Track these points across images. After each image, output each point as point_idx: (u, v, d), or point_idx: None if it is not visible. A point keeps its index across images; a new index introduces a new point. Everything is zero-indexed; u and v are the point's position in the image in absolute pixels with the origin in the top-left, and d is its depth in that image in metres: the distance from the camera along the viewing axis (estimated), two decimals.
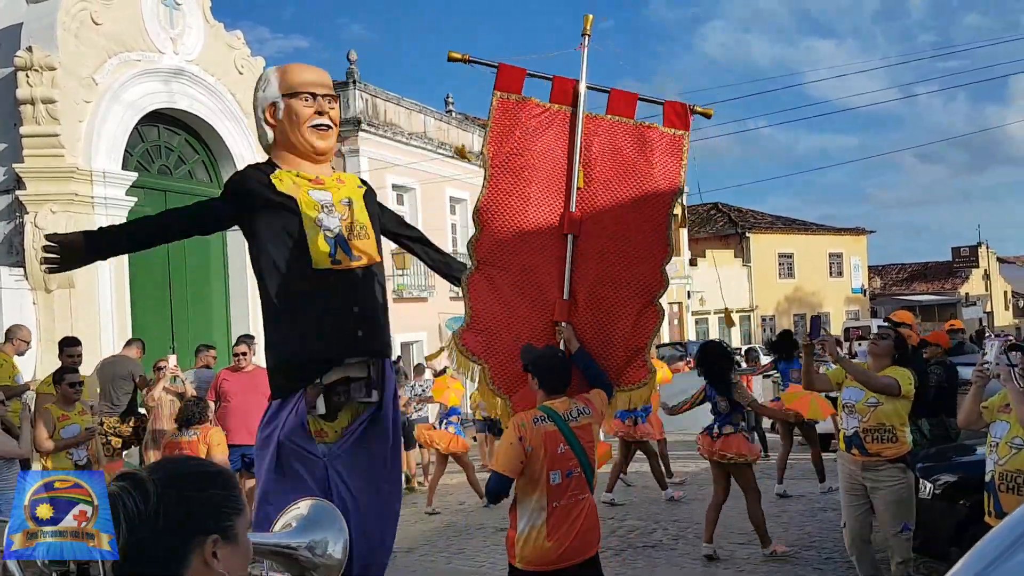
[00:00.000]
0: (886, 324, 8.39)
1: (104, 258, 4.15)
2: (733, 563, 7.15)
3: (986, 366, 4.69)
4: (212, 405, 8.30)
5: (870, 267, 48.81)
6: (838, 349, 5.77)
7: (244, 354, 8.73)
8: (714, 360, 7.57)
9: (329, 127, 3.87)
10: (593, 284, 4.63)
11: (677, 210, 4.79)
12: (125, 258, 9.44)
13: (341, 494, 3.68)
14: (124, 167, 9.60)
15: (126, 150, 9.69)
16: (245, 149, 11.34)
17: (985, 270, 51.15)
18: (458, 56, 4.80)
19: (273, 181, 3.76)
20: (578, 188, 4.69)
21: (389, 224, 4.30)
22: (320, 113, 3.84)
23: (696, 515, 9.09)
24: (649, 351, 4.64)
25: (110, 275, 9.25)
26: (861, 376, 5.44)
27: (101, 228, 4.06)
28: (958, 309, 41.03)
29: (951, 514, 5.85)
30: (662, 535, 8.17)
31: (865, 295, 45.82)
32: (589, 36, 4.82)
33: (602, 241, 4.65)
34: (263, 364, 7.79)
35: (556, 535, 4.02)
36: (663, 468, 10.30)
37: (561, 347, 4.43)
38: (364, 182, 4.13)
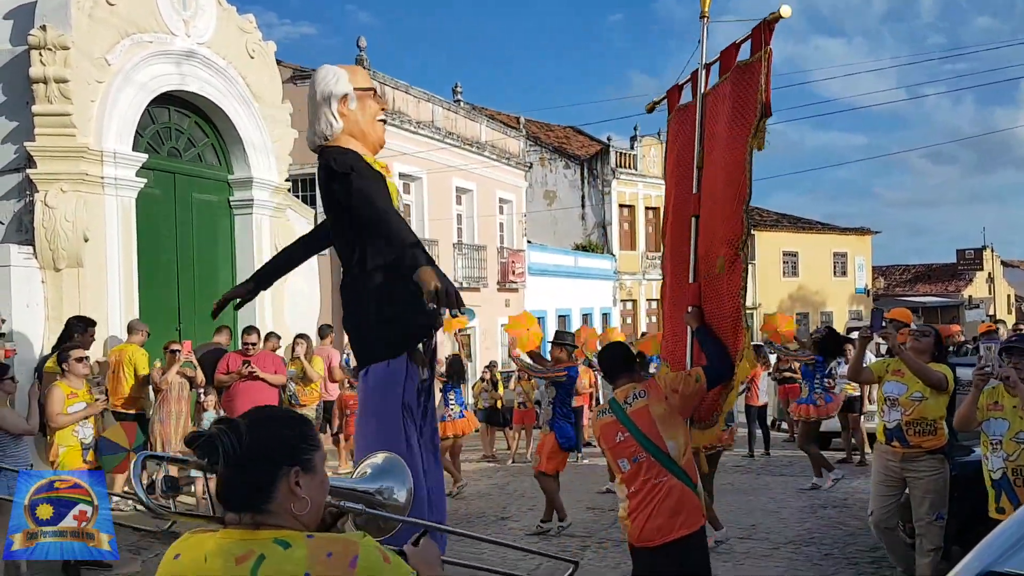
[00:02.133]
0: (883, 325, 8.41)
1: None
2: (732, 557, 7.18)
3: (987, 369, 4.73)
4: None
5: (874, 267, 48.76)
6: (898, 343, 5.80)
7: (255, 344, 8.85)
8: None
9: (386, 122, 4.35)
10: (704, 256, 4.62)
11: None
12: (133, 238, 9.49)
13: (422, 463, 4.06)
14: (135, 148, 9.61)
15: (137, 131, 9.70)
16: (255, 133, 11.36)
17: (989, 273, 51.07)
18: (654, 104, 5.53)
19: (367, 159, 4.18)
20: (700, 168, 4.71)
21: None
22: (384, 110, 4.32)
23: None
24: (744, 310, 4.33)
25: (118, 255, 9.28)
26: (920, 370, 5.49)
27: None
28: (961, 312, 41.02)
29: (952, 513, 5.88)
30: None
31: (868, 295, 45.77)
32: (707, 17, 4.85)
33: (707, 211, 4.60)
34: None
35: (635, 517, 4.15)
36: None
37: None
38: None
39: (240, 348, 9.03)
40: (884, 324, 5.74)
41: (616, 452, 4.18)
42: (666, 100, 5.38)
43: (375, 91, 4.40)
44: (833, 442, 12.60)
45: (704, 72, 4.80)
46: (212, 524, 1.82)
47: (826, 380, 10.09)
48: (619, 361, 4.39)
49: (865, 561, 7.03)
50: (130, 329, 8.78)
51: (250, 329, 9.23)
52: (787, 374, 12.47)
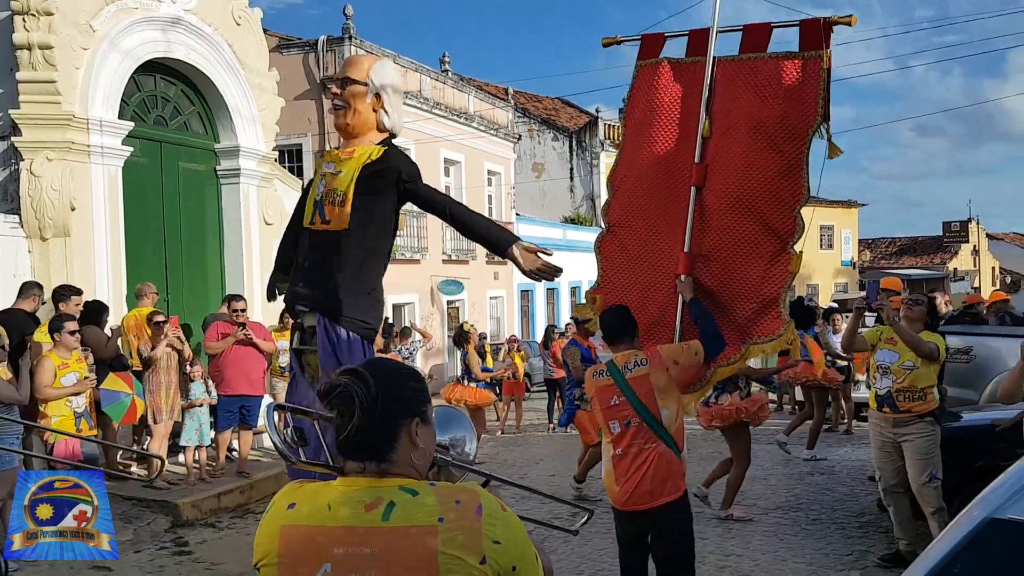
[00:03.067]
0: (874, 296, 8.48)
1: None
2: (722, 523, 7.27)
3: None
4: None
5: (860, 240, 49.02)
6: (893, 315, 5.88)
7: (243, 310, 8.85)
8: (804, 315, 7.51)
9: (340, 107, 4.14)
10: (719, 236, 4.53)
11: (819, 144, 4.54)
12: (120, 208, 9.40)
13: None
14: (120, 116, 9.49)
15: (123, 99, 9.57)
16: (241, 101, 11.23)
17: (974, 246, 51.43)
18: (611, 40, 5.07)
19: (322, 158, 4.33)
20: (705, 138, 4.60)
21: (415, 198, 4.29)
22: (333, 96, 4.20)
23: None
24: (784, 301, 4.44)
25: (105, 225, 9.20)
26: (912, 340, 5.62)
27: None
28: (946, 284, 41.27)
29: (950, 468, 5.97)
30: None
31: (854, 268, 46.03)
32: None
33: (729, 190, 4.51)
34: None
35: (623, 481, 4.23)
36: None
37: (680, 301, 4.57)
38: (385, 157, 4.11)
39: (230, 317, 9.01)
40: (879, 295, 5.81)
41: (609, 414, 4.24)
42: (639, 44, 5.04)
43: (332, 76, 4.54)
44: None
45: (713, 39, 4.69)
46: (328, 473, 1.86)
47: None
48: (621, 325, 4.40)
49: (852, 526, 7.13)
50: (138, 294, 8.85)
51: (237, 297, 9.24)
52: None
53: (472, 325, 13.06)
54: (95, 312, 8.16)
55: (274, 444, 2.07)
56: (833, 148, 4.59)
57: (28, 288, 8.00)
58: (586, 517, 3.20)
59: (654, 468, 4.12)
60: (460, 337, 11.93)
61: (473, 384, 11.48)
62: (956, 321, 10.22)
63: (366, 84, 4.11)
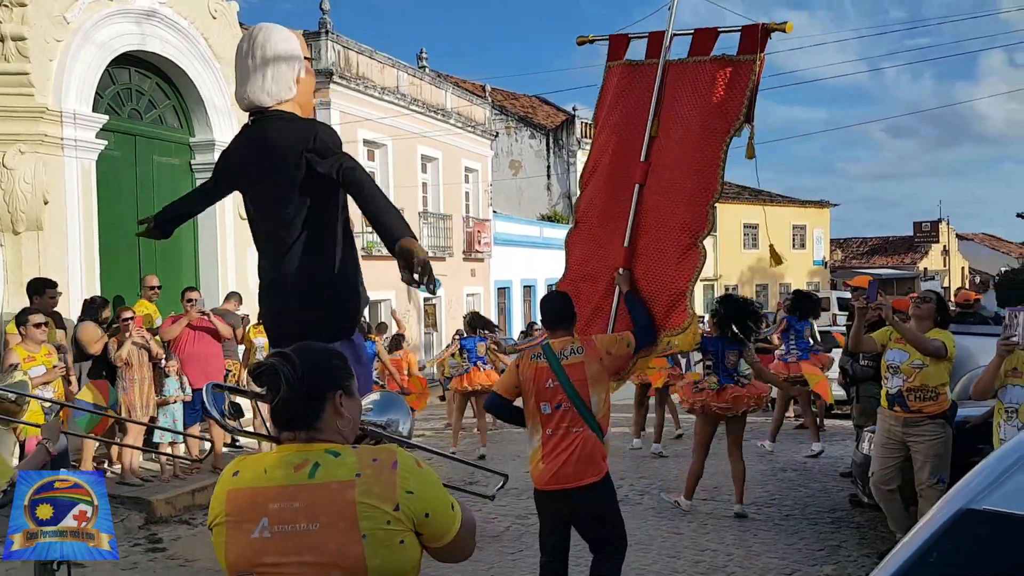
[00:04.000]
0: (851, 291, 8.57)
1: None
2: (696, 517, 7.33)
3: (1014, 339, 4.73)
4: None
5: (832, 240, 49.47)
6: (892, 314, 5.86)
7: (196, 300, 8.88)
8: (743, 315, 7.40)
9: None
10: (652, 230, 4.72)
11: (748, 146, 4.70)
12: (93, 201, 9.31)
13: None
14: (94, 109, 9.40)
15: (97, 92, 9.48)
16: (216, 95, 11.15)
17: (945, 246, 52.11)
18: (585, 39, 5.21)
19: None
20: (653, 137, 4.77)
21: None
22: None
23: (661, 471, 9.30)
24: (691, 295, 4.62)
25: (78, 218, 9.11)
26: (915, 340, 5.57)
27: None
28: (916, 283, 41.80)
29: (911, 474, 6.04)
30: (628, 490, 8.33)
31: (826, 267, 46.48)
32: None
33: (662, 186, 4.70)
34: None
35: (548, 460, 4.38)
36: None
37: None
38: None
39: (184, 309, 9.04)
40: (880, 293, 5.82)
41: (541, 396, 4.43)
42: (608, 44, 5.21)
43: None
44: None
45: (668, 41, 4.88)
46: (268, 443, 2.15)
47: (801, 341, 10.29)
48: (563, 312, 4.59)
49: (825, 521, 7.22)
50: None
51: (190, 288, 9.28)
52: (761, 344, 12.61)
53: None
54: (93, 308, 8.20)
55: (211, 416, 2.30)
56: (750, 149, 4.77)
57: (231, 295, 9.13)
58: (501, 482, 3.35)
59: (579, 450, 4.32)
60: (476, 322, 11.66)
61: (488, 367, 11.36)
62: (955, 320, 10.35)
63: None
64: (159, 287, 9.34)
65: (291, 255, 3.68)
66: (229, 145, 3.98)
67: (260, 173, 3.74)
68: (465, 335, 11.26)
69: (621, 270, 4.75)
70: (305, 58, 3.86)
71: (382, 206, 3.51)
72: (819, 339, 11.21)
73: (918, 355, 5.59)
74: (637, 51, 5.07)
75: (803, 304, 10.72)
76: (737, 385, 7.22)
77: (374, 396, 2.50)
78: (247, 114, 3.83)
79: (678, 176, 4.65)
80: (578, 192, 5.33)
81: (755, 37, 4.55)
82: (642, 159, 4.79)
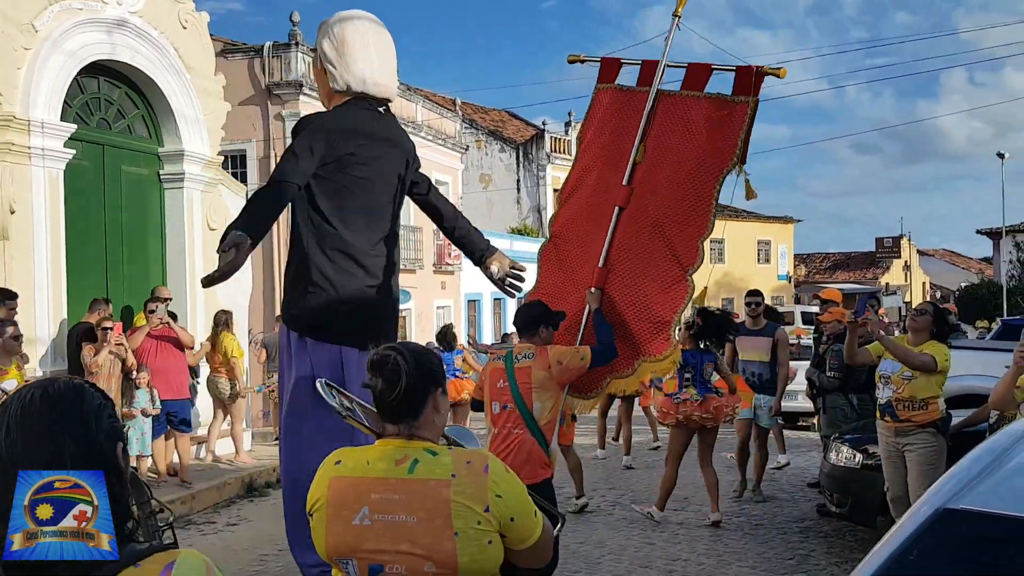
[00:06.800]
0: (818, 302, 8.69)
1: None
2: (667, 527, 7.38)
3: None
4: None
5: (796, 255, 50.12)
6: (879, 329, 5.95)
7: (154, 311, 8.89)
8: (723, 328, 7.69)
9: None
10: (635, 255, 4.78)
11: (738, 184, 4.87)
12: (61, 211, 9.18)
13: None
14: (63, 118, 9.27)
15: (65, 101, 9.36)
16: (187, 106, 11.06)
17: (906, 261, 52.98)
18: (576, 57, 5.35)
19: None
20: (637, 163, 4.85)
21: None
22: None
23: (632, 482, 9.35)
24: (675, 325, 4.75)
25: (45, 228, 8.97)
26: (901, 354, 5.64)
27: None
28: (878, 298, 42.44)
29: (878, 484, 6.14)
30: (599, 500, 8.37)
31: (790, 282, 47.06)
32: (679, 17, 5.01)
33: (649, 213, 4.78)
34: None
35: None
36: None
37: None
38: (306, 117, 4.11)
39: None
40: (868, 308, 5.93)
41: (494, 395, 4.62)
42: (599, 66, 5.31)
43: None
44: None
45: (661, 70, 4.98)
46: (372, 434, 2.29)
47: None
48: (533, 319, 4.72)
49: (793, 531, 7.31)
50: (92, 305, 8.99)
51: (152, 299, 9.32)
52: None
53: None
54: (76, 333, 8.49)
55: (332, 407, 2.51)
56: (749, 191, 5.00)
57: (95, 304, 8.86)
58: (559, 524, 3.22)
59: (516, 453, 4.45)
60: (448, 336, 11.59)
61: (467, 376, 11.27)
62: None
63: (317, 54, 4.02)
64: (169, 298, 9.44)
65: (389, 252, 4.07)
66: (348, 116, 3.94)
67: (391, 164, 4.06)
68: (442, 351, 11.16)
69: (593, 289, 4.82)
70: None
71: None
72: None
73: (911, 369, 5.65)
74: (628, 76, 5.19)
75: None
76: (716, 395, 7.32)
77: (451, 426, 2.69)
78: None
79: (668, 206, 4.74)
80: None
81: (750, 79, 4.69)
82: (624, 183, 4.87)
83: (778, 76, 4.74)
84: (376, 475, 2.03)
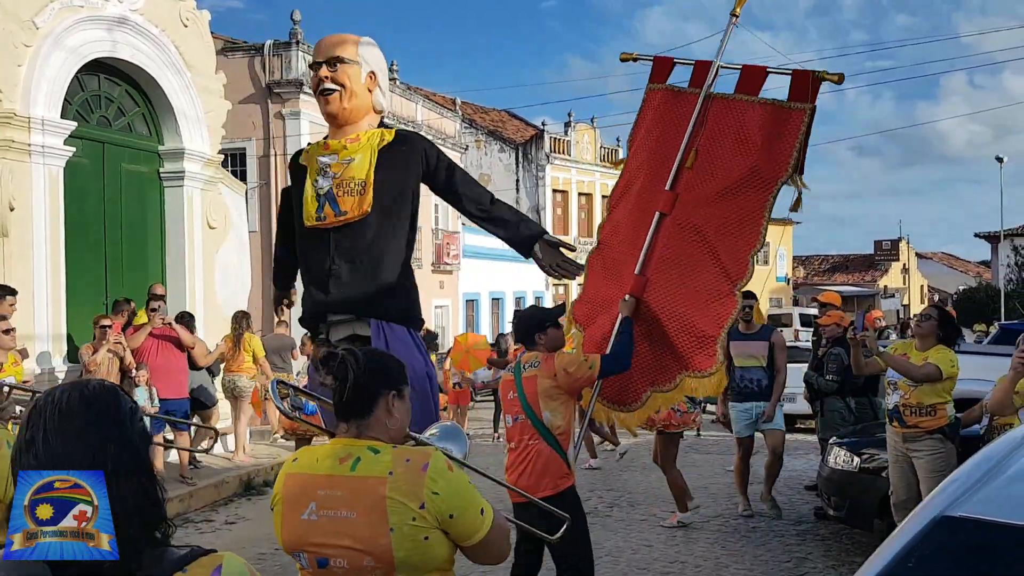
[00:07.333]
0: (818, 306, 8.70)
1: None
2: (665, 530, 7.39)
3: None
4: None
5: (795, 257, 50.15)
6: (877, 344, 5.90)
7: (157, 310, 8.88)
8: None
9: (332, 90, 3.84)
10: (677, 265, 4.57)
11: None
12: (60, 209, 9.19)
13: None
14: (63, 116, 9.27)
15: (65, 99, 9.36)
16: (187, 104, 11.07)
17: (904, 264, 53.03)
18: (629, 56, 5.16)
19: (300, 158, 4.01)
20: (687, 168, 4.63)
21: (439, 181, 4.16)
22: (321, 80, 3.87)
23: (629, 485, 9.36)
24: (721, 341, 4.51)
25: (45, 225, 8.98)
26: (902, 369, 5.60)
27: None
28: (876, 301, 42.48)
29: (875, 487, 6.15)
30: (596, 502, 8.38)
31: (788, 284, 47.08)
32: (736, 16, 4.80)
33: (695, 222, 4.56)
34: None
35: (511, 472, 4.51)
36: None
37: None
38: (402, 138, 3.96)
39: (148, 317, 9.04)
40: (863, 328, 5.91)
41: (507, 408, 4.56)
42: (652, 64, 5.10)
43: (318, 57, 4.10)
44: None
45: (714, 72, 4.79)
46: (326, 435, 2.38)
47: None
48: (527, 329, 4.63)
49: (791, 534, 7.32)
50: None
51: (154, 296, 9.30)
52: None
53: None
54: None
55: (279, 408, 2.60)
56: (798, 202, 4.77)
57: (119, 305, 9.19)
58: (564, 525, 3.27)
59: (533, 464, 4.38)
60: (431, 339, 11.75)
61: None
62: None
63: (359, 63, 3.87)
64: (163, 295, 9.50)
65: None
66: None
67: None
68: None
69: (627, 296, 4.61)
70: (311, 66, 4.15)
71: None
72: None
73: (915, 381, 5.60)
74: (680, 76, 4.99)
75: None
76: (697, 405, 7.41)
77: (445, 424, 2.73)
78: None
79: (716, 215, 4.53)
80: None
81: (806, 84, 4.46)
82: (667, 187, 4.66)
83: (835, 82, 4.50)
84: (322, 472, 2.12)
